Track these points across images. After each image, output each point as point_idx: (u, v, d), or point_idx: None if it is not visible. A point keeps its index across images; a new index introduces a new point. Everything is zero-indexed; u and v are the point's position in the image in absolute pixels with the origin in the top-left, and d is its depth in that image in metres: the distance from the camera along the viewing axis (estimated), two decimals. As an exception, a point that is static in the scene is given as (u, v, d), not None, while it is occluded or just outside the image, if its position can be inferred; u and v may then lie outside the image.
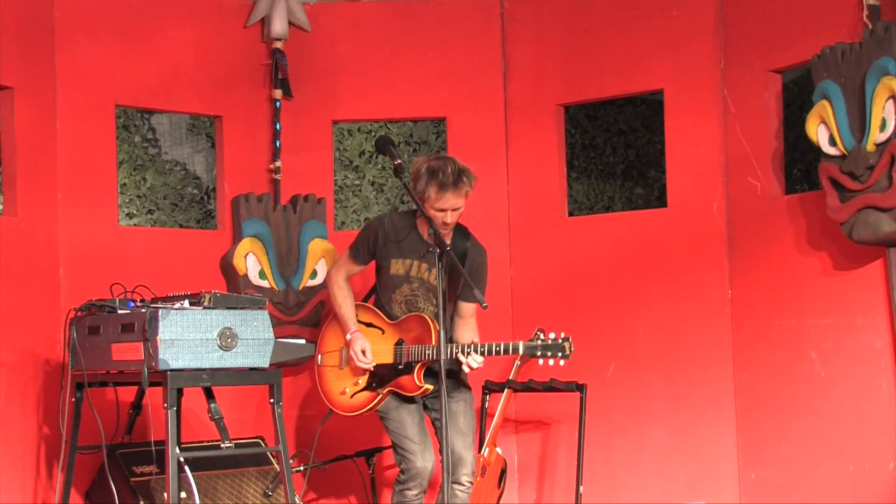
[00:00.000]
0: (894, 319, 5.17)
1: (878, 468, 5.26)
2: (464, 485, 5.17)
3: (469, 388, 5.29)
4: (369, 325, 5.27)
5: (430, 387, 5.10)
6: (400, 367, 5.15)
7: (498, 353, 4.99)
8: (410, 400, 5.21)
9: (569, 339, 4.97)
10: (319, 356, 5.39)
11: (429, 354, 5.05)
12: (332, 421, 5.92)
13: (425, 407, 5.31)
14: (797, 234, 5.56)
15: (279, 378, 4.90)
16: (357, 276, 5.43)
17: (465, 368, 5.02)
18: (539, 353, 4.98)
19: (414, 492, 5.16)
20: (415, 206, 5.05)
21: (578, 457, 5.88)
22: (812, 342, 5.51)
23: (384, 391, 5.18)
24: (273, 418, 4.88)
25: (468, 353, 4.98)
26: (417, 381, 5.11)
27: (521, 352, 5.00)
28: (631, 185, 9.23)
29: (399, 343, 5.17)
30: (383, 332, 5.23)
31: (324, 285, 6.14)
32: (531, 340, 5.02)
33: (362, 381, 5.24)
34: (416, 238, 5.17)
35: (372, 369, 5.20)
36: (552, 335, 5.01)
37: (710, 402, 5.89)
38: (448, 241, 5.05)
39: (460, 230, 5.24)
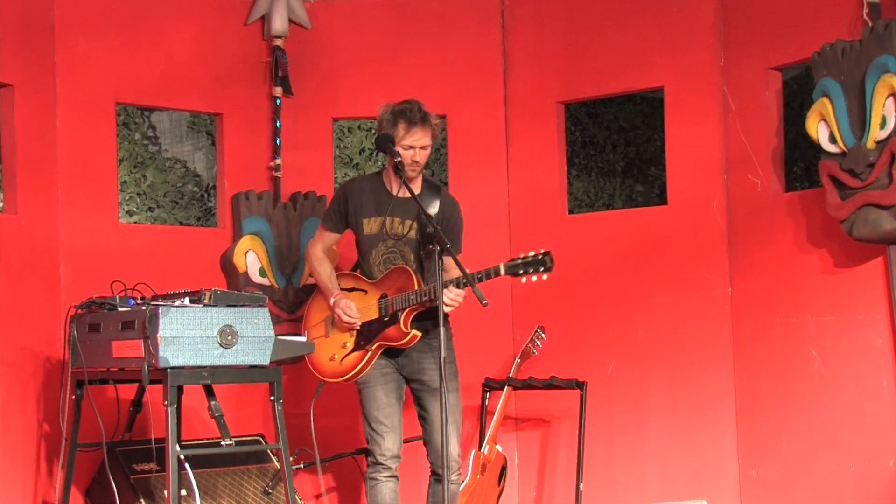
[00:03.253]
0: (894, 317, 5.17)
1: (879, 466, 5.26)
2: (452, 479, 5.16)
3: (455, 371, 5.19)
4: (351, 289, 5.23)
5: (418, 333, 5.03)
6: (385, 319, 5.09)
7: (480, 279, 4.84)
8: (390, 376, 5.14)
9: (548, 252, 4.83)
10: (306, 332, 5.32)
11: (412, 299, 4.99)
12: (332, 418, 5.93)
13: (408, 382, 5.20)
14: (797, 231, 5.56)
15: (279, 375, 4.88)
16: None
17: (445, 308, 4.82)
18: (521, 272, 4.83)
19: (383, 475, 5.13)
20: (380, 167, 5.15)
21: (579, 454, 5.88)
22: (812, 340, 5.51)
23: (373, 347, 5.10)
24: (273, 416, 4.87)
25: (446, 287, 4.85)
26: (403, 328, 5.03)
27: (502, 272, 4.84)
28: (631, 183, 9.23)
29: (383, 297, 5.13)
30: (366, 293, 5.18)
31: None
32: (512, 261, 4.86)
33: (350, 342, 5.17)
34: (385, 194, 5.17)
35: (358, 328, 5.14)
36: (532, 252, 4.86)
37: (711, 399, 5.89)
38: (417, 191, 5.09)
39: (430, 184, 5.24)
